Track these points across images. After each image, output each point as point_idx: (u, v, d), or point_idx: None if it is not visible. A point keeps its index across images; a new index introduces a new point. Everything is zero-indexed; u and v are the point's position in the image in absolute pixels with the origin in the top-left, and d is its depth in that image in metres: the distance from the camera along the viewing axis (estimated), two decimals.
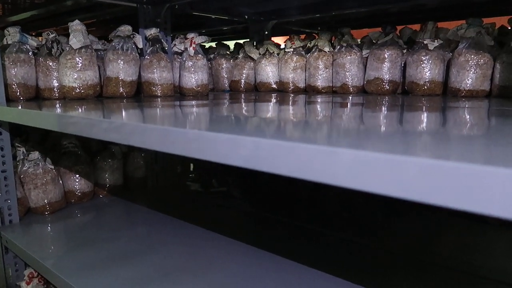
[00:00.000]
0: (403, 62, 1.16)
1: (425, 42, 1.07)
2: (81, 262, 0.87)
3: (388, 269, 0.83)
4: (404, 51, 1.18)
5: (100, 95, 1.18)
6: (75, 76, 1.11)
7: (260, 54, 1.50)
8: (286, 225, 1.09)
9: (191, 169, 1.81)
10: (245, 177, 1.65)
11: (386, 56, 1.15)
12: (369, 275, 0.79)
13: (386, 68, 1.15)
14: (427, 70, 1.06)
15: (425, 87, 1.07)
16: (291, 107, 0.83)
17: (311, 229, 1.05)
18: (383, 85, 1.16)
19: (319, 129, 0.49)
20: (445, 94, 1.08)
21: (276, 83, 1.45)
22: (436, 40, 1.06)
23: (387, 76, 1.16)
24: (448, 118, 0.60)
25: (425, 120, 0.58)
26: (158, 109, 0.82)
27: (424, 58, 1.06)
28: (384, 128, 0.49)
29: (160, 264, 0.85)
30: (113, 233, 1.04)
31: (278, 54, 1.47)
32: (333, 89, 1.30)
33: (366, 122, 0.57)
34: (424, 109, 0.72)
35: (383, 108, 0.76)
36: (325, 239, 0.98)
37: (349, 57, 1.23)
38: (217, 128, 0.51)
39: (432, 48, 1.06)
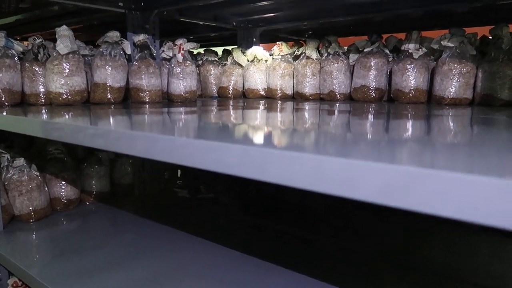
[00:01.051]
0: (388, 70, 1.18)
1: (410, 50, 1.10)
2: (67, 271, 0.86)
3: (376, 272, 0.84)
4: (390, 59, 1.20)
5: (88, 101, 1.17)
6: (62, 82, 1.10)
7: (248, 60, 1.51)
8: (274, 231, 1.09)
9: (179, 175, 1.80)
10: (233, 183, 1.65)
11: (372, 64, 1.17)
12: (361, 280, 0.80)
13: (372, 76, 1.17)
14: (412, 78, 1.09)
15: (410, 95, 1.09)
16: (279, 114, 0.83)
17: (299, 234, 1.06)
18: (370, 92, 1.18)
19: (307, 136, 0.50)
20: (429, 102, 1.11)
21: (264, 89, 1.46)
22: (420, 49, 1.08)
23: (373, 84, 1.18)
24: (433, 125, 0.62)
25: (410, 127, 0.59)
26: (146, 115, 0.82)
27: (409, 67, 1.09)
28: (370, 136, 0.50)
29: (147, 271, 0.85)
30: (99, 241, 1.03)
31: (266, 61, 1.48)
32: (321, 96, 1.31)
33: (353, 130, 0.58)
34: (409, 117, 0.73)
35: (369, 115, 0.77)
36: (312, 244, 0.99)
37: (336, 64, 1.25)
38: (205, 135, 0.51)
39: (417, 57, 1.09)
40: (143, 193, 1.42)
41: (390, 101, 1.19)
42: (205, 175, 1.78)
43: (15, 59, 1.14)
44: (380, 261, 0.89)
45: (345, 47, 1.34)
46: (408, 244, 1.01)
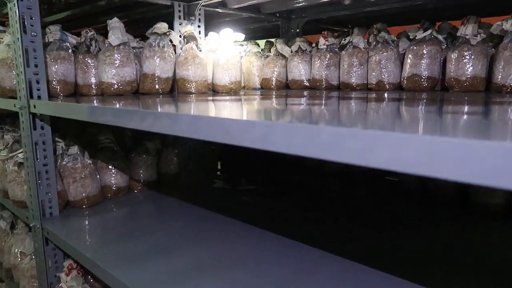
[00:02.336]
0: (442, 58, 1.13)
1: (467, 36, 1.04)
2: (120, 254, 0.89)
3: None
4: (444, 46, 1.14)
5: (137, 92, 1.20)
6: (114, 72, 1.13)
7: (292, 51, 1.49)
8: (318, 221, 1.08)
9: (220, 167, 1.82)
10: (273, 176, 1.65)
11: (425, 52, 1.12)
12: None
13: (424, 64, 1.12)
14: (469, 66, 1.03)
15: (467, 83, 1.04)
16: (333, 101, 0.82)
17: (342, 224, 1.04)
18: (421, 81, 1.13)
19: (367, 118, 0.48)
20: (488, 91, 1.05)
21: (308, 80, 1.44)
22: (479, 35, 1.03)
23: (426, 73, 1.13)
24: (499, 112, 0.58)
25: (476, 114, 0.56)
26: (206, 102, 0.83)
27: (466, 53, 1.03)
28: (430, 121, 0.47)
29: (196, 257, 0.86)
30: (148, 227, 1.05)
31: (310, 51, 1.46)
32: (368, 86, 1.28)
33: (417, 114, 0.55)
34: (473, 105, 0.70)
35: (428, 103, 0.74)
36: (350, 232, 0.97)
37: (385, 53, 1.21)
38: (271, 118, 0.50)
39: (474, 43, 1.03)
40: (188, 182, 1.44)
41: (443, 91, 1.14)
42: (246, 167, 1.79)
43: (69, 51, 1.19)
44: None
45: (392, 36, 1.30)
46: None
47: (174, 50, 1.27)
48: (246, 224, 1.04)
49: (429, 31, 1.14)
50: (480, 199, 1.13)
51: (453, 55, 1.06)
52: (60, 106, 0.96)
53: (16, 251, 1.33)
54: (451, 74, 1.07)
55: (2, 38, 1.20)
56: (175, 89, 1.27)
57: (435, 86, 1.15)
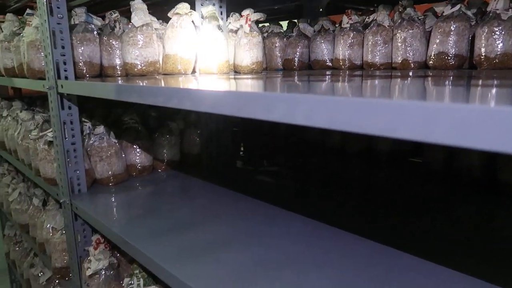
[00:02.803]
0: (470, 35, 1.09)
1: (498, 11, 1.00)
2: (144, 229, 0.92)
3: None
4: (473, 23, 1.10)
5: (159, 73, 1.22)
6: (137, 54, 1.15)
7: (315, 31, 1.47)
8: (337, 200, 1.07)
9: (243, 149, 1.83)
10: (295, 157, 1.65)
11: (453, 29, 1.08)
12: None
13: (452, 41, 1.09)
14: (499, 42, 0.99)
15: (497, 60, 1.00)
16: (357, 79, 0.81)
17: (363, 204, 1.03)
18: (448, 59, 1.10)
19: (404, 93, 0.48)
20: None
21: (331, 60, 1.42)
22: (510, 9, 0.98)
23: (453, 50, 1.09)
24: None
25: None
26: (229, 80, 0.83)
27: (496, 29, 0.99)
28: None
29: (219, 233, 0.88)
30: (172, 204, 1.08)
31: (333, 31, 1.43)
32: (392, 65, 1.25)
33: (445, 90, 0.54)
34: (504, 80, 0.67)
35: (456, 80, 0.72)
36: (375, 214, 0.96)
37: (410, 31, 1.17)
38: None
39: (505, 18, 0.98)
40: (210, 162, 1.47)
41: (471, 68, 1.10)
42: (267, 148, 1.80)
43: (94, 33, 1.21)
44: None
45: (419, 13, 1.26)
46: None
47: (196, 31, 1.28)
48: (263, 202, 1.05)
49: (457, 7, 1.10)
50: (507, 178, 1.09)
51: (482, 31, 1.02)
52: (85, 85, 0.99)
53: (48, 226, 1.39)
54: (480, 51, 1.03)
55: (30, 21, 1.24)
56: (197, 70, 1.28)
57: (462, 64, 1.11)
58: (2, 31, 1.54)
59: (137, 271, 0.95)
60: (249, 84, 0.76)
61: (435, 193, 1.15)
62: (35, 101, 1.83)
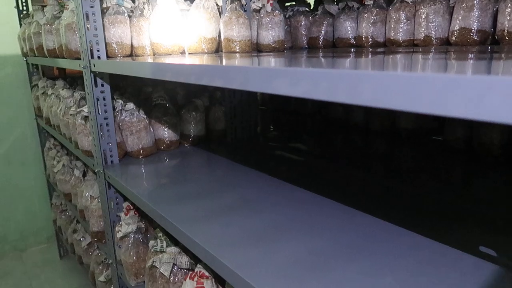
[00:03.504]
0: (494, 9, 1.06)
1: None
2: (169, 196, 1.00)
3: None
4: None
5: (184, 52, 1.28)
6: (163, 34, 1.22)
7: (339, 9, 1.47)
8: (361, 180, 1.10)
9: (268, 127, 1.88)
10: (320, 136, 1.67)
11: (476, 3, 1.06)
12: None
13: (475, 16, 1.06)
14: None
15: None
16: (377, 56, 0.83)
17: (382, 184, 1.06)
18: (471, 35, 1.08)
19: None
20: None
21: (354, 38, 1.42)
22: None
23: (476, 26, 1.07)
24: None
25: None
26: (251, 58, 0.88)
27: None
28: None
29: (229, 200, 0.94)
30: (194, 175, 1.16)
31: (358, 8, 1.43)
32: (414, 42, 1.24)
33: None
34: None
35: (476, 55, 0.72)
36: (389, 191, 0.99)
37: (433, 6, 1.16)
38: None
39: None
40: (234, 138, 1.53)
41: (494, 44, 1.08)
42: (291, 127, 1.84)
43: (125, 15, 1.29)
44: None
45: None
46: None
47: (219, 11, 1.33)
48: (276, 178, 1.10)
49: None
50: None
51: (505, 5, 0.99)
52: (114, 64, 1.07)
53: (86, 195, 1.53)
54: (502, 25, 1.01)
55: (68, 5, 1.34)
56: (220, 49, 1.34)
57: (485, 40, 1.09)
58: (45, 15, 1.66)
59: (160, 234, 1.03)
60: (271, 61, 0.78)
61: (455, 169, 1.15)
62: (76, 81, 1.97)
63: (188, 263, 0.95)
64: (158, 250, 1.03)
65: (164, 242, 1.02)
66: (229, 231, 0.79)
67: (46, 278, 2.37)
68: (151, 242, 1.07)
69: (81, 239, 1.89)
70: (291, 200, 0.93)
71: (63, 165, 1.89)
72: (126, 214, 1.22)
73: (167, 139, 1.40)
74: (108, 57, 1.22)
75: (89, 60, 1.16)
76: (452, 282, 0.59)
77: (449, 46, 1.14)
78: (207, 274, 0.86)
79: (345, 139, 1.58)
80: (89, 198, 1.51)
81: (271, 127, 1.88)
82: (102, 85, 1.22)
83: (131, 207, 1.22)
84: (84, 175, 1.69)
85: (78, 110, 1.37)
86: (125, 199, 1.26)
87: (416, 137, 1.44)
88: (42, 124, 2.18)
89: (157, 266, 0.97)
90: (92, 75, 1.19)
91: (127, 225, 1.17)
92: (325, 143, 1.56)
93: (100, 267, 1.66)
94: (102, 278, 1.58)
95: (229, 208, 0.90)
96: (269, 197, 0.96)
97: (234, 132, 1.54)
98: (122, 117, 1.32)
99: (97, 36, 1.17)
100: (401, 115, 1.48)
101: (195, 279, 0.86)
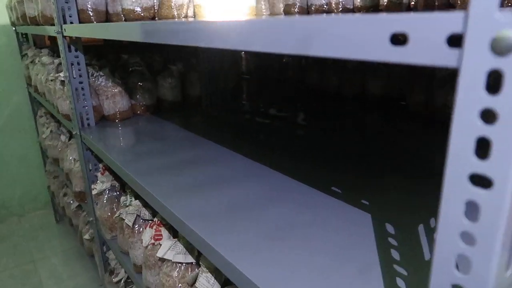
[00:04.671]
0: None
1: None
2: (136, 156, 1.06)
3: None
4: None
5: (154, 18, 1.32)
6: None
7: None
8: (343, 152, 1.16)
9: (244, 94, 1.93)
10: (295, 104, 1.72)
11: None
12: None
13: None
14: None
15: None
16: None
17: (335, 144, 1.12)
18: None
19: None
20: None
21: (326, 4, 1.44)
22: None
23: None
24: None
25: None
26: None
27: None
28: None
29: (189, 155, 1.00)
30: (166, 136, 1.22)
31: None
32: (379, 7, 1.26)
33: None
34: None
35: None
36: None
37: None
38: None
39: None
40: (209, 104, 1.58)
41: None
42: (270, 96, 1.88)
43: None
44: None
45: None
46: None
47: None
48: (248, 144, 1.16)
49: None
50: None
51: None
52: (83, 28, 1.12)
53: (70, 158, 1.60)
54: None
55: None
56: (190, 15, 1.37)
57: None
58: None
59: (129, 190, 1.11)
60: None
61: (416, 130, 1.20)
62: None
63: (150, 214, 1.03)
64: (127, 204, 1.11)
65: (132, 197, 1.10)
66: (189, 180, 0.86)
67: (42, 240, 2.49)
68: (122, 198, 1.15)
69: (71, 202, 1.98)
70: (246, 158, 1.00)
71: (51, 131, 1.96)
72: (102, 174, 1.30)
73: (143, 103, 1.45)
74: (82, 23, 1.26)
75: (61, 26, 1.21)
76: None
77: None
78: (164, 223, 0.94)
79: (318, 105, 1.62)
80: (72, 161, 1.59)
81: (249, 94, 1.93)
82: (76, 50, 1.27)
83: (106, 167, 1.29)
84: (69, 140, 1.76)
85: (56, 75, 1.42)
86: (100, 160, 1.33)
87: (385, 102, 1.48)
88: (32, 92, 2.24)
89: (123, 218, 1.05)
90: (65, 40, 1.24)
91: (101, 183, 1.24)
92: (296, 109, 1.60)
93: (87, 227, 1.76)
94: (87, 236, 1.68)
95: (186, 164, 0.97)
96: (223, 155, 1.02)
97: (210, 98, 1.59)
98: (98, 82, 1.37)
99: (68, 2, 1.21)
100: (372, 81, 1.52)
101: (154, 227, 0.94)
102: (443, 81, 1.25)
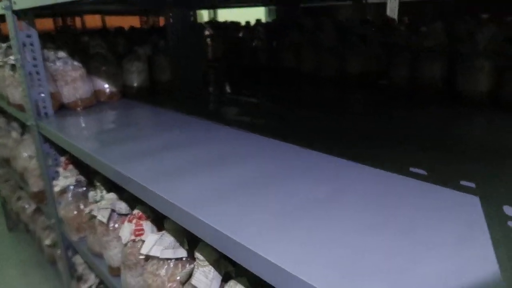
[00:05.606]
0: None
1: None
2: (105, 141, 0.93)
3: None
4: None
5: None
6: None
7: None
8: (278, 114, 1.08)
9: (215, 79, 1.82)
10: (265, 85, 1.64)
11: None
12: None
13: None
14: None
15: None
16: None
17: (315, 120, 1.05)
18: None
19: None
20: None
21: None
22: None
23: None
24: None
25: None
26: None
27: None
28: None
29: (166, 141, 0.89)
30: (132, 122, 1.10)
31: None
32: None
33: None
34: None
35: None
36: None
37: None
38: None
39: None
40: (178, 89, 1.46)
41: None
42: (243, 80, 1.79)
43: None
44: None
45: None
46: None
47: None
48: (212, 122, 1.06)
49: None
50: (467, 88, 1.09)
51: None
52: None
53: (25, 155, 1.43)
54: None
55: None
56: None
57: None
58: None
59: (99, 184, 0.98)
60: None
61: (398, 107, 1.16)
62: None
63: (127, 208, 0.90)
64: (97, 199, 0.98)
65: (104, 190, 0.97)
66: (160, 164, 0.75)
67: None
68: (91, 193, 1.02)
69: (26, 206, 1.79)
70: (220, 138, 0.90)
71: (0, 127, 1.75)
72: (64, 169, 1.15)
73: (107, 90, 1.31)
74: None
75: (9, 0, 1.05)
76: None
77: None
78: (145, 215, 0.82)
79: (292, 88, 1.55)
80: (27, 158, 1.42)
81: (219, 80, 1.83)
82: (28, 28, 1.11)
83: (70, 161, 1.14)
84: (22, 135, 1.57)
85: (5, 59, 1.25)
86: (62, 153, 1.18)
87: (363, 81, 1.44)
88: None
89: (95, 214, 0.92)
90: (15, 16, 1.08)
91: (64, 179, 1.10)
92: (270, 91, 1.52)
93: (47, 232, 1.59)
94: (47, 242, 1.51)
95: (161, 147, 0.85)
96: (200, 136, 0.92)
97: (180, 84, 1.47)
98: (56, 66, 1.22)
99: None
100: (349, 61, 1.47)
101: (134, 221, 0.82)
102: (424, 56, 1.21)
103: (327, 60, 1.53)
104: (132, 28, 2.08)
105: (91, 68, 1.30)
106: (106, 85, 1.31)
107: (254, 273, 0.48)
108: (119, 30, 1.93)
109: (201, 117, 1.10)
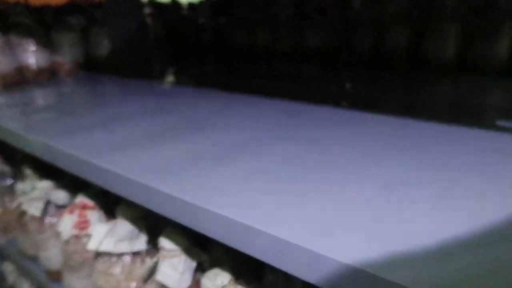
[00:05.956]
0: None
1: None
2: (40, 122, 0.77)
3: None
4: None
5: None
6: None
7: None
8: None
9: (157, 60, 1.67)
10: (214, 63, 1.53)
11: None
12: None
13: None
14: None
15: None
16: None
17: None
18: None
19: None
20: None
21: None
22: None
23: None
24: None
25: None
26: None
27: None
28: None
29: (104, 114, 0.75)
30: (65, 99, 0.93)
31: None
32: None
33: None
34: None
35: None
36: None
37: None
38: None
39: None
40: (116, 63, 1.29)
41: None
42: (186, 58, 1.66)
43: None
44: None
45: None
46: None
47: None
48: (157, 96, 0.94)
49: None
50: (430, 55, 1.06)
51: None
52: None
53: None
54: None
55: None
56: None
57: None
58: None
59: (30, 172, 0.81)
60: None
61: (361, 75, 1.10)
62: None
63: (67, 197, 0.75)
64: (28, 191, 0.81)
65: (36, 178, 0.80)
66: (96, 137, 0.62)
67: None
68: (19, 186, 0.84)
69: None
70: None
71: None
72: None
73: (33, 66, 1.12)
74: None
75: None
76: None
77: None
78: (91, 203, 0.68)
79: (244, 64, 1.46)
80: None
81: (164, 60, 1.68)
82: None
83: None
84: None
85: None
86: None
87: (323, 56, 1.37)
88: None
89: (25, 209, 0.75)
90: None
91: None
92: (219, 71, 1.41)
93: None
94: None
95: (98, 121, 0.72)
96: (145, 109, 0.79)
97: (116, 56, 1.29)
98: None
99: None
100: (305, 35, 1.40)
101: (76, 212, 0.67)
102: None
103: (283, 36, 1.45)
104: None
105: (14, 40, 1.10)
106: (32, 61, 1.11)
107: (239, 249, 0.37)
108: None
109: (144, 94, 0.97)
